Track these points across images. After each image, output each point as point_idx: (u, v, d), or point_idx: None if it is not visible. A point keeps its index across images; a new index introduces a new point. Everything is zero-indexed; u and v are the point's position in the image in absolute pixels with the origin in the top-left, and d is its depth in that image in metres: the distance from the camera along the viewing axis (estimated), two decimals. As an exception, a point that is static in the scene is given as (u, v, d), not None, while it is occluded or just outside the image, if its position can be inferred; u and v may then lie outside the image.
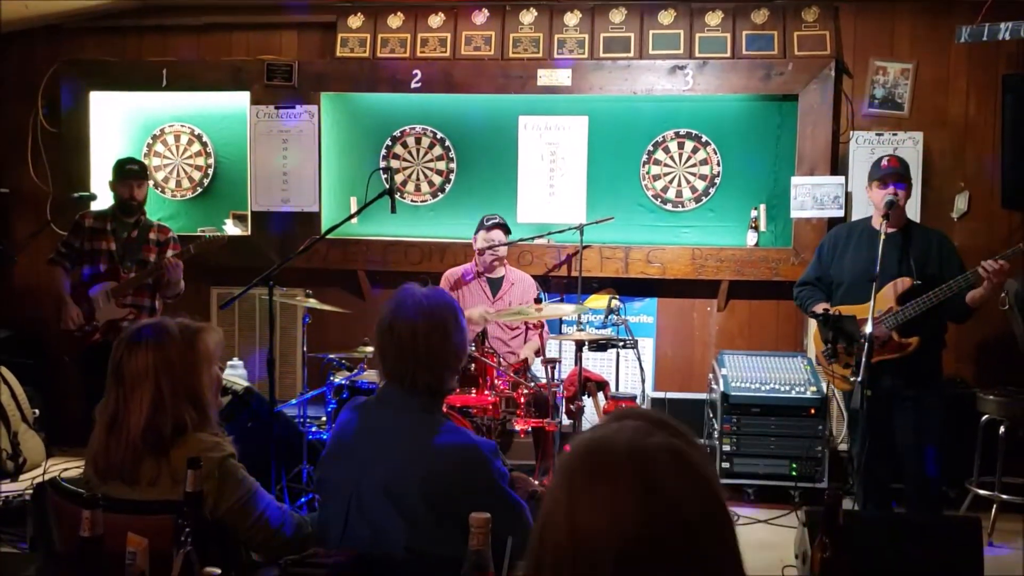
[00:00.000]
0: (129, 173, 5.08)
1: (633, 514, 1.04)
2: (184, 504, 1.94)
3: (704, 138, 5.92)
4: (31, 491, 2.45)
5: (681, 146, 5.95)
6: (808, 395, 5.24)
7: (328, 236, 4.66)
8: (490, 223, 5.26)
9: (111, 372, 2.30)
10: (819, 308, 4.33)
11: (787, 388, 5.27)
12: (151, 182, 6.40)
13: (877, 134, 5.64)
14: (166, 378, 2.25)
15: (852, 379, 4.22)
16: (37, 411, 5.85)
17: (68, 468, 5.43)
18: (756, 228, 5.82)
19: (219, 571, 1.84)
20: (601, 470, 1.09)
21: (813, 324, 4.57)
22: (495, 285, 5.33)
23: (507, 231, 5.27)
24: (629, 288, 5.91)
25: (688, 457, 1.10)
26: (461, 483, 2.14)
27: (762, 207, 5.87)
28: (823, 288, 4.48)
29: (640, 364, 4.80)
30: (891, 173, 4.23)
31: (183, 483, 1.98)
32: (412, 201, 6.21)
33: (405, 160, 6.21)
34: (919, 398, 4.23)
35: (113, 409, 2.28)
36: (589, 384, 5.04)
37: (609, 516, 1.05)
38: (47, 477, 2.49)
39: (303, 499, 4.51)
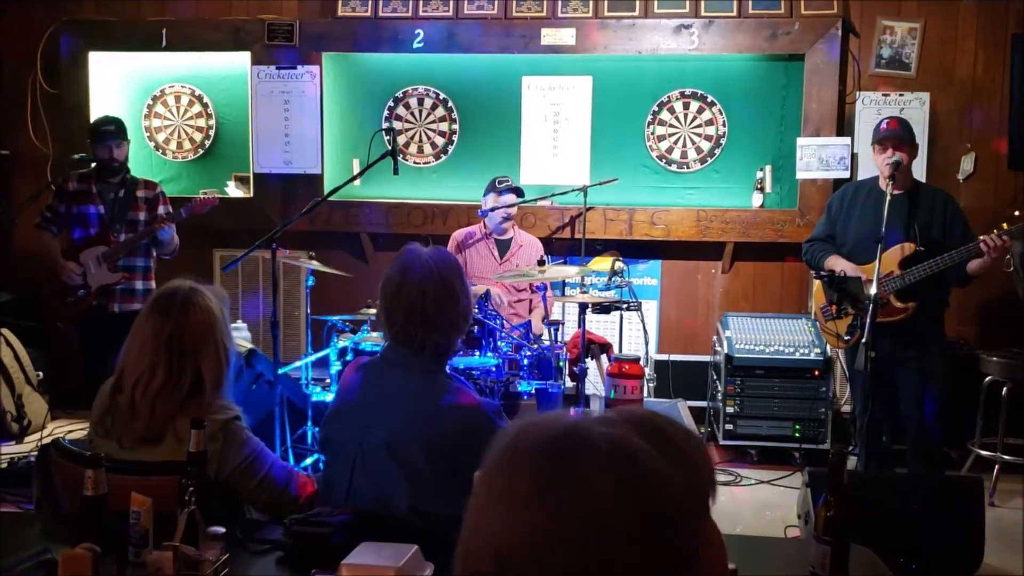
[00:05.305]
0: (106, 135, 4.92)
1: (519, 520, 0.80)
2: (188, 464, 1.95)
3: (710, 98, 5.86)
4: (36, 453, 2.45)
5: (686, 106, 5.89)
6: (812, 357, 5.24)
7: (330, 198, 4.63)
8: (503, 186, 5.21)
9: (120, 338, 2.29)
10: (828, 262, 4.31)
11: (791, 350, 5.27)
12: (151, 144, 6.37)
13: (884, 95, 5.58)
14: (176, 345, 2.24)
15: (847, 338, 4.22)
16: (41, 374, 5.86)
17: (72, 430, 5.44)
18: (761, 189, 5.78)
19: (223, 530, 1.85)
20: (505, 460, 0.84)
21: (816, 283, 4.55)
22: (503, 247, 5.30)
23: (520, 194, 5.24)
24: (633, 250, 5.88)
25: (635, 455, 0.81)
26: (466, 442, 2.13)
27: (768, 168, 5.82)
28: (833, 245, 4.46)
29: (644, 326, 4.78)
30: (889, 136, 4.18)
31: (186, 444, 1.98)
32: (415, 163, 6.17)
33: (407, 121, 6.16)
34: (920, 359, 4.23)
35: (120, 375, 2.28)
36: (592, 346, 5.04)
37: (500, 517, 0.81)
38: (50, 439, 2.49)
39: (308, 461, 4.53)
